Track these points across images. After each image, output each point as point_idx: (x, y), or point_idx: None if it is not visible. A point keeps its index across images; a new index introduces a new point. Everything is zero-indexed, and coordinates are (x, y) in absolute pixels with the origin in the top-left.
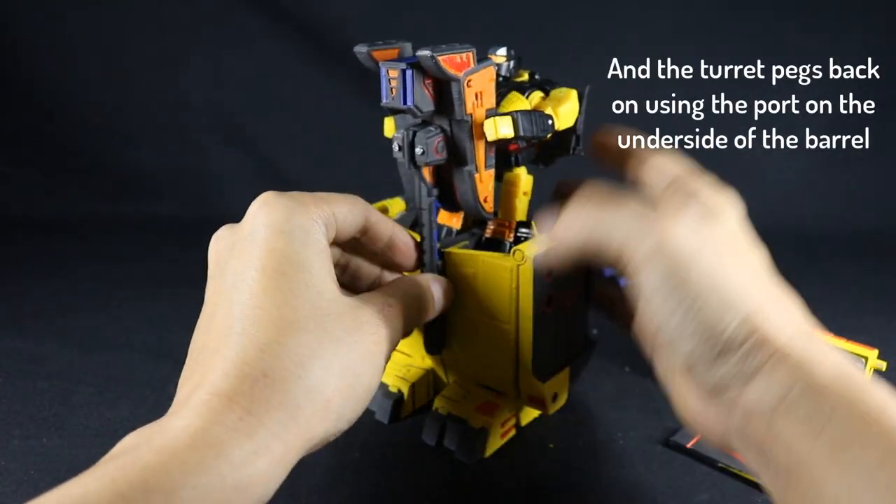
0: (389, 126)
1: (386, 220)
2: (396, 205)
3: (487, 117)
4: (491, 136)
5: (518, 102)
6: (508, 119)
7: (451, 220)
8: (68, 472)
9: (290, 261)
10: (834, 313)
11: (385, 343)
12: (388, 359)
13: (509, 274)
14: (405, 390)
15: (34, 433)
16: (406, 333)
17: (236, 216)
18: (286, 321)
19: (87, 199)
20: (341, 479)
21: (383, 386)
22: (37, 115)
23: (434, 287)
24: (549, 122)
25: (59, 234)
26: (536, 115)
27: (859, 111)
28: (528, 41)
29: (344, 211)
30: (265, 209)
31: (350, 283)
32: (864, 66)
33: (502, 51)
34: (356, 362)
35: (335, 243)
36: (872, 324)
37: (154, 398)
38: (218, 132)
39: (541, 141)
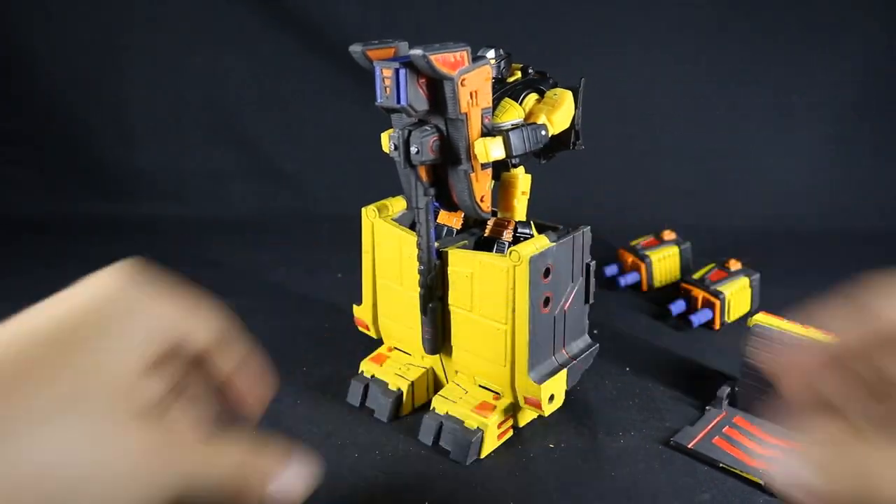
0: (387, 141)
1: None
2: (397, 204)
3: (483, 120)
4: (482, 159)
5: (511, 111)
6: (499, 141)
7: (452, 220)
8: None
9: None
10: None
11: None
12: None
13: (506, 275)
14: (404, 389)
15: None
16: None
17: (236, 216)
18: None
19: (87, 199)
20: (339, 479)
21: (383, 384)
22: (37, 115)
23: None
24: (543, 132)
25: (59, 234)
26: (529, 129)
27: (859, 111)
28: (527, 39)
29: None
30: None
31: None
32: (864, 67)
33: (491, 52)
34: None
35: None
36: None
37: None
38: (218, 132)
39: None
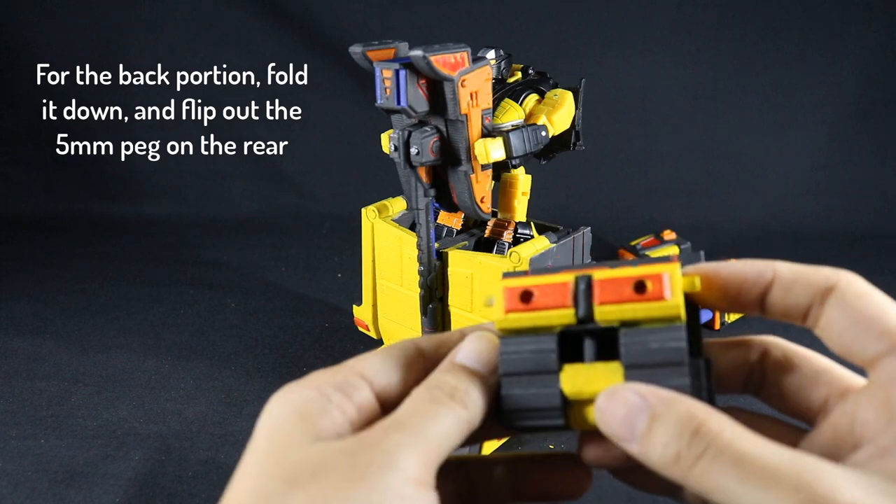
0: (387, 142)
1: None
2: (397, 204)
3: (484, 121)
4: (483, 160)
5: (511, 111)
6: (500, 141)
7: (452, 221)
8: (66, 472)
9: None
10: None
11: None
12: None
13: None
14: None
15: (32, 433)
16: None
17: (236, 216)
18: None
19: (85, 199)
20: None
21: None
22: (37, 115)
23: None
24: (543, 133)
25: (59, 234)
26: (529, 130)
27: (860, 111)
28: (527, 39)
29: None
30: None
31: None
32: (863, 66)
33: (491, 53)
34: None
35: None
36: None
37: (152, 398)
38: (218, 132)
39: None
